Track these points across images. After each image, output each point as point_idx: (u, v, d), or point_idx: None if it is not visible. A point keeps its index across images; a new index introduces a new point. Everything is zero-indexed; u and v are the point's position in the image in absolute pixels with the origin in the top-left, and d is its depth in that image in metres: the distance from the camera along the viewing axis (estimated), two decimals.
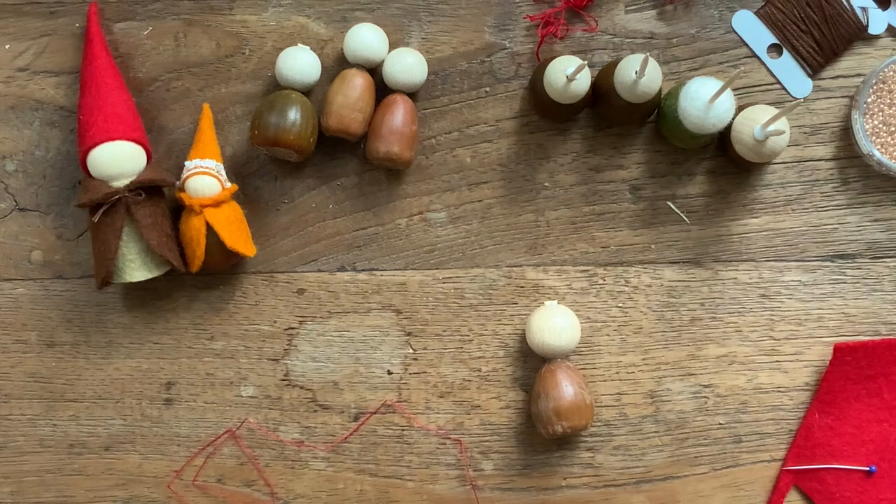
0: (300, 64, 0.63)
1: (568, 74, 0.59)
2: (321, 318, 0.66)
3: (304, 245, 0.66)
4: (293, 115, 0.62)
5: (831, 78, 0.65)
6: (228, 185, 0.63)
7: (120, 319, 0.66)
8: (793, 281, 0.65)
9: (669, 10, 0.65)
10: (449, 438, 0.64)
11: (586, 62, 0.59)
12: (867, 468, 0.64)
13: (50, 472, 0.66)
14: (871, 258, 0.65)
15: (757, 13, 0.65)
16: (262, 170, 0.66)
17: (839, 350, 0.63)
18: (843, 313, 0.65)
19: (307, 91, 0.64)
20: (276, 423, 0.65)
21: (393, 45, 0.65)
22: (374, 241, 0.66)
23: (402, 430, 0.65)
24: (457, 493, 0.65)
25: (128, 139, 0.62)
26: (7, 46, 0.66)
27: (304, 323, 0.66)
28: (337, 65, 0.66)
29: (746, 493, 0.65)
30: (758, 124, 0.59)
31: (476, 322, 0.65)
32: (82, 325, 0.66)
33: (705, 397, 0.65)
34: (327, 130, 0.63)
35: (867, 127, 0.63)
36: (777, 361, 0.65)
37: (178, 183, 0.63)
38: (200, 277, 0.66)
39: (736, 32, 0.65)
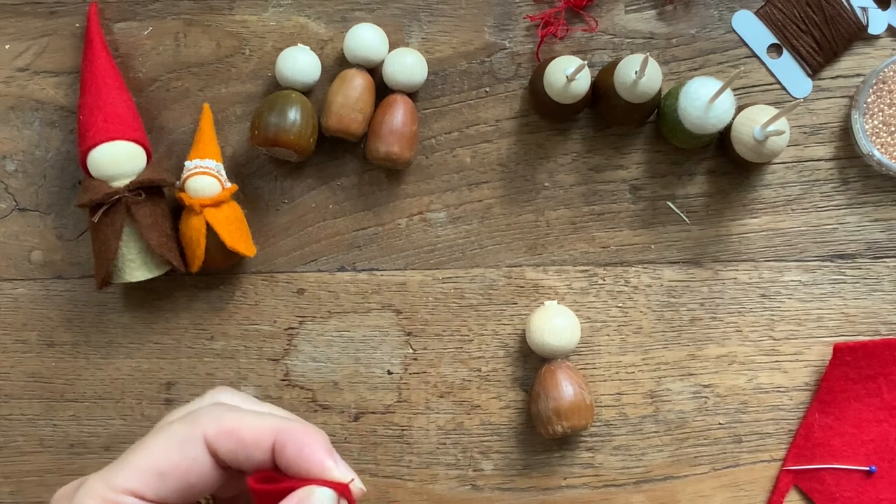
0: (300, 64, 0.63)
1: (568, 74, 0.59)
2: (321, 318, 0.66)
3: (304, 245, 0.66)
4: (293, 115, 0.62)
5: (831, 78, 0.65)
6: (228, 185, 0.63)
7: (120, 319, 0.66)
8: (792, 281, 0.65)
9: (669, 10, 0.65)
10: None
11: (586, 62, 0.59)
12: (867, 468, 0.64)
13: (50, 472, 0.66)
14: (871, 258, 0.65)
15: (757, 13, 0.65)
16: (262, 170, 0.66)
17: (839, 350, 0.63)
18: (842, 313, 0.65)
19: (307, 91, 0.64)
20: None
21: (393, 45, 0.65)
22: (374, 241, 0.66)
23: (402, 430, 0.65)
24: (457, 493, 0.65)
25: (128, 139, 0.62)
26: (7, 46, 0.66)
27: (304, 323, 0.66)
28: (337, 65, 0.66)
29: (746, 493, 0.65)
30: (758, 124, 0.59)
31: (476, 322, 0.65)
32: (82, 325, 0.66)
33: (705, 397, 0.65)
34: (327, 130, 0.64)
35: (867, 127, 0.63)
36: (777, 361, 0.65)
37: (178, 183, 0.63)
38: (200, 277, 0.66)
39: (736, 32, 0.65)
